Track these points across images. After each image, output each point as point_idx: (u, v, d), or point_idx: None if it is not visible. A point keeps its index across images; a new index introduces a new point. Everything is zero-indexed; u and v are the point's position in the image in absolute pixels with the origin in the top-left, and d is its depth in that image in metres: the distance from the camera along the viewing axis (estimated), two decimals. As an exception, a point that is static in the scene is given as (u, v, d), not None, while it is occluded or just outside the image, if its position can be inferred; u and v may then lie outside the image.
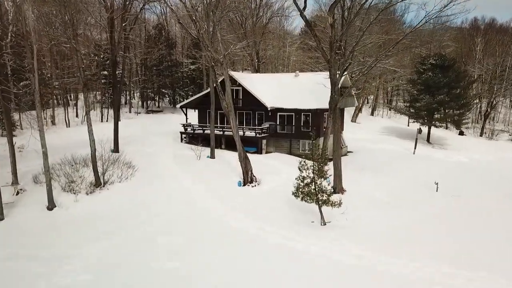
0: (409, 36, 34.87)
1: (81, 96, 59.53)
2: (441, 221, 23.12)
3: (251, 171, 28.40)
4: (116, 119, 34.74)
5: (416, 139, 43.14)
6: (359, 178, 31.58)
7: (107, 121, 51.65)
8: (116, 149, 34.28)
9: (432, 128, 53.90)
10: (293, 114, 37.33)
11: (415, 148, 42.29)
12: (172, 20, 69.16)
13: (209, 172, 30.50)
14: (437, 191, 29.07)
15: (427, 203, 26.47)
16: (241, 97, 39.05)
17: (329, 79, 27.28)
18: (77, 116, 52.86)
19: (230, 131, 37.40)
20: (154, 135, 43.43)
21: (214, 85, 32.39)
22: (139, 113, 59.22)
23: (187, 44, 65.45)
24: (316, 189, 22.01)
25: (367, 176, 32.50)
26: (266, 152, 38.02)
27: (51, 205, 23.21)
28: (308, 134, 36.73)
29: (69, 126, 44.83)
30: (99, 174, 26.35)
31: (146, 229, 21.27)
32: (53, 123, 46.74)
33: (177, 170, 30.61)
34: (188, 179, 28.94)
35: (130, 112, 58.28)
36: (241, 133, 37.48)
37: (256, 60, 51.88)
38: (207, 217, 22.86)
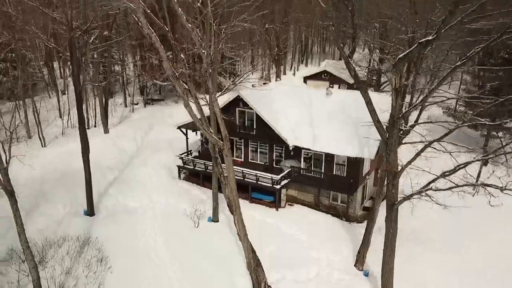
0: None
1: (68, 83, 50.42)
2: None
3: (265, 282, 20.19)
4: (86, 153, 25.24)
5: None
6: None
7: (95, 126, 43.09)
8: (90, 209, 26.32)
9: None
10: (323, 154, 28.07)
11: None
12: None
13: (207, 262, 22.28)
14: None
15: None
16: (254, 126, 29.67)
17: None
18: (60, 116, 44.34)
19: (240, 176, 28.84)
20: (148, 155, 35.00)
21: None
22: (136, 104, 50.12)
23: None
24: None
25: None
26: (287, 201, 29.42)
27: None
28: (343, 186, 27.84)
29: (44, 146, 36.52)
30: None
31: None
32: (28, 136, 38.43)
33: (165, 257, 22.59)
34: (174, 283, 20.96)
35: (125, 105, 49.24)
36: (253, 178, 28.84)
37: (276, 50, 41.05)
38: None
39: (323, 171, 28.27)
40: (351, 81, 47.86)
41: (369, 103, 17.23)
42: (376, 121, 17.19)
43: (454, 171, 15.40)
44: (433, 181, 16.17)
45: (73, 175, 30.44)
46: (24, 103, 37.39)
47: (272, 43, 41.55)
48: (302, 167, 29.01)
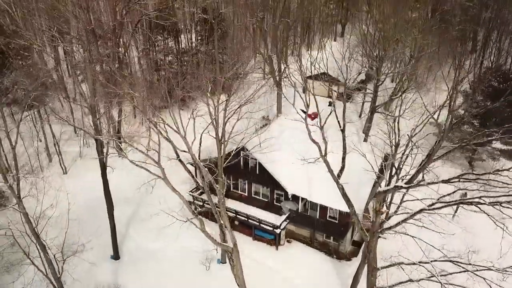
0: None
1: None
2: None
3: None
4: (111, 212, 29.49)
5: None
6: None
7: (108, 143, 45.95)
8: (115, 253, 30.40)
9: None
10: (318, 203, 31.67)
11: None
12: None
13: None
14: None
15: None
16: (257, 171, 33.10)
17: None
18: (75, 131, 47.09)
19: (244, 216, 32.73)
20: (161, 186, 38.37)
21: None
22: (145, 112, 52.52)
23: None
24: None
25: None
26: (286, 237, 33.42)
27: None
28: (335, 231, 31.61)
29: (66, 173, 39.93)
30: None
31: None
32: (49, 159, 41.57)
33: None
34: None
35: (134, 115, 51.75)
36: (256, 220, 32.61)
37: (277, 75, 42.98)
38: None
39: (318, 214, 32.01)
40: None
41: (354, 214, 20.63)
42: (360, 229, 20.68)
43: (421, 279, 19.25)
44: (402, 282, 20.04)
45: (95, 208, 34.23)
46: (44, 133, 40.29)
47: (275, 67, 43.45)
48: (299, 209, 32.71)
